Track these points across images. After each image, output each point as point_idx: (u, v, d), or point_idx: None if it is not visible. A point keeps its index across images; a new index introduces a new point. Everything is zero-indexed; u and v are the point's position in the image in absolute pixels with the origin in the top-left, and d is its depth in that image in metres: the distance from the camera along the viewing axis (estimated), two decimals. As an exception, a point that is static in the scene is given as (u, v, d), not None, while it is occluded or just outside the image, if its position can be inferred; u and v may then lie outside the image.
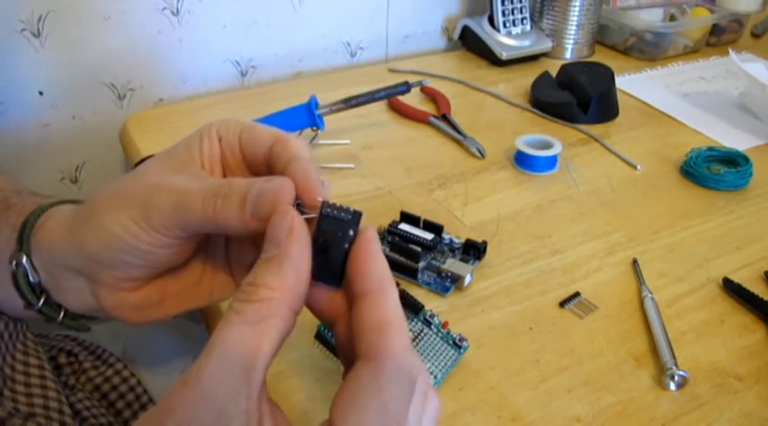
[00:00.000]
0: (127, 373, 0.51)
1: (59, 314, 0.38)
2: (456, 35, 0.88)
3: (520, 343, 0.42)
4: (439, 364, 0.39)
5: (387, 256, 0.47)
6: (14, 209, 0.38)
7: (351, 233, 0.27)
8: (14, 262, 0.35)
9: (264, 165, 0.33)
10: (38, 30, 0.65)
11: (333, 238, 0.27)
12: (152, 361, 0.55)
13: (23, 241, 0.35)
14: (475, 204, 0.56)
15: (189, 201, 0.30)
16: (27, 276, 0.36)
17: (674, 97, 0.77)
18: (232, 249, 0.36)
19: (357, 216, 0.28)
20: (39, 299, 0.36)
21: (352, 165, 0.61)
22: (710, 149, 0.62)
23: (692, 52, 0.91)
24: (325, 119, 0.62)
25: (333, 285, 0.29)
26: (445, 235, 0.49)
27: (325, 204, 0.28)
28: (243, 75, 0.79)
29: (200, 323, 0.45)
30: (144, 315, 0.36)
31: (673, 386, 0.39)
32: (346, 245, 0.27)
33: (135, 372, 0.52)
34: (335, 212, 0.28)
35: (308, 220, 0.28)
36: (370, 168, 0.60)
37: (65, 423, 0.40)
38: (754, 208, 0.57)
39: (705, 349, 0.42)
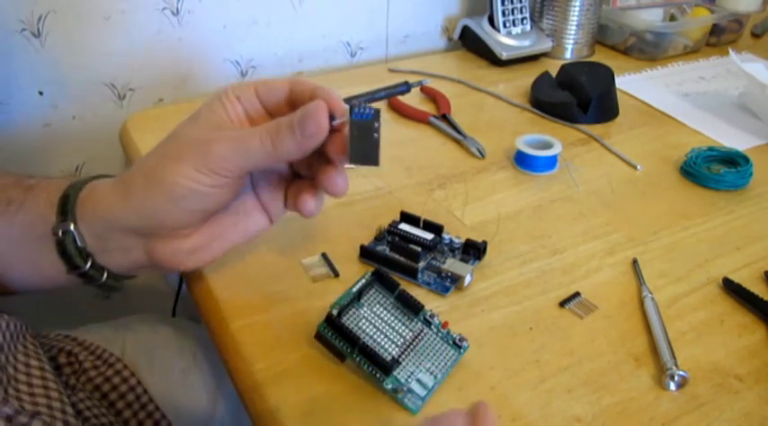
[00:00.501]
0: (127, 373, 0.52)
1: (102, 275, 0.42)
2: (456, 35, 0.88)
3: (520, 343, 0.42)
4: (439, 364, 0.39)
5: (387, 256, 0.47)
6: (39, 189, 0.42)
7: (376, 124, 0.37)
8: (61, 231, 0.40)
9: (287, 106, 0.40)
10: (38, 30, 0.65)
11: (365, 131, 0.37)
12: (151, 361, 0.55)
13: (68, 212, 0.40)
14: (475, 204, 0.56)
15: (249, 143, 0.37)
16: (75, 242, 0.40)
17: (674, 97, 0.77)
18: (261, 189, 0.43)
19: (378, 111, 0.37)
20: (85, 262, 0.41)
21: (352, 165, 0.61)
22: (710, 149, 0.62)
23: (692, 52, 0.91)
24: (326, 119, 0.62)
25: (374, 164, 0.38)
26: (445, 235, 0.49)
27: (352, 108, 0.37)
28: (243, 75, 0.79)
29: (200, 323, 0.45)
30: (197, 259, 0.42)
31: (673, 386, 0.39)
32: (376, 134, 0.37)
33: (135, 372, 0.52)
34: (362, 111, 0.37)
35: (340, 127, 0.38)
36: (370, 168, 0.60)
37: (68, 423, 0.40)
38: (754, 208, 0.57)
39: (705, 349, 0.42)
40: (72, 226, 0.40)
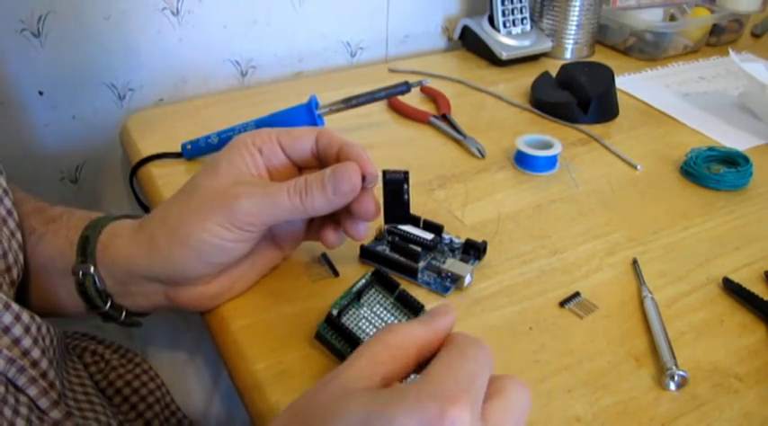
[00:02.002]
0: (153, 373, 0.53)
1: (121, 314, 0.43)
2: (456, 35, 0.88)
3: (520, 343, 0.42)
4: (439, 364, 0.39)
5: (387, 256, 0.47)
6: (59, 223, 0.43)
7: (405, 186, 0.41)
8: (81, 273, 0.40)
9: (313, 157, 0.41)
10: (38, 30, 0.65)
11: (397, 192, 0.41)
12: (160, 359, 0.55)
13: (87, 254, 0.40)
14: (475, 204, 0.56)
15: (276, 198, 0.37)
16: (95, 284, 0.41)
17: (674, 97, 0.77)
18: (277, 228, 0.44)
19: (406, 173, 0.41)
20: (105, 304, 0.42)
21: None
22: (710, 149, 0.62)
23: (692, 52, 0.91)
24: (325, 119, 0.62)
25: (406, 222, 0.43)
26: (445, 235, 0.49)
27: (385, 172, 0.40)
28: (243, 75, 0.79)
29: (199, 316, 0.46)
30: (218, 301, 0.43)
31: (673, 386, 0.39)
32: (406, 195, 0.41)
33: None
34: (393, 175, 0.40)
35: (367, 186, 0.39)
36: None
37: None
38: (754, 208, 0.57)
39: (705, 349, 0.42)
40: (92, 269, 0.40)
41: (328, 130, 0.41)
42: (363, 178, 0.38)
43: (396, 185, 0.40)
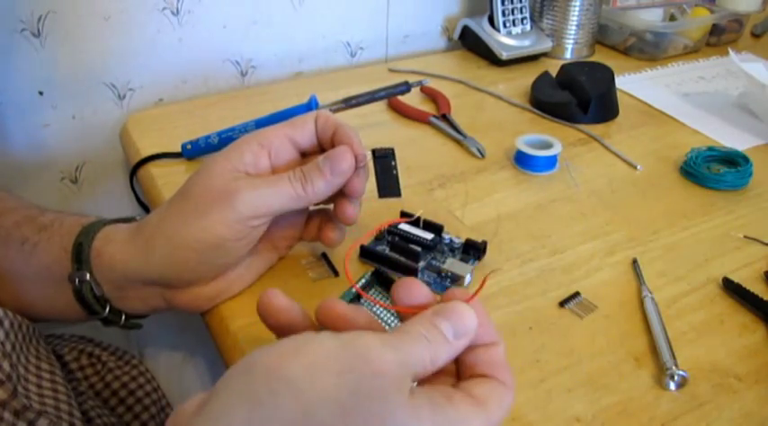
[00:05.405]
0: (149, 375, 0.53)
1: (120, 318, 0.44)
2: (456, 35, 0.88)
3: (520, 343, 0.42)
4: (439, 364, 0.39)
5: (387, 256, 0.47)
6: (52, 230, 0.43)
7: (393, 162, 0.45)
8: (77, 280, 0.41)
9: (317, 139, 0.42)
10: (38, 30, 0.65)
11: (387, 168, 0.45)
12: (160, 355, 0.56)
13: (82, 261, 0.40)
14: (475, 204, 0.56)
15: (278, 185, 0.38)
16: (93, 290, 0.41)
17: (674, 97, 0.77)
18: (272, 230, 0.43)
19: (392, 149, 0.45)
20: (104, 309, 0.42)
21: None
22: (710, 149, 0.62)
23: (692, 52, 0.91)
24: (325, 119, 0.62)
25: (397, 195, 0.45)
26: (445, 235, 0.49)
27: (374, 151, 0.44)
28: (243, 75, 0.79)
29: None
30: (215, 302, 0.43)
31: (673, 386, 0.39)
32: (395, 171, 0.45)
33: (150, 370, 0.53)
34: (381, 152, 0.45)
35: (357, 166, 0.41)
36: (369, 167, 0.60)
37: (74, 424, 0.41)
38: (754, 208, 0.57)
39: (705, 349, 0.42)
40: (88, 276, 0.40)
41: (324, 113, 0.42)
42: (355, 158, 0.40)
43: (385, 159, 0.44)
